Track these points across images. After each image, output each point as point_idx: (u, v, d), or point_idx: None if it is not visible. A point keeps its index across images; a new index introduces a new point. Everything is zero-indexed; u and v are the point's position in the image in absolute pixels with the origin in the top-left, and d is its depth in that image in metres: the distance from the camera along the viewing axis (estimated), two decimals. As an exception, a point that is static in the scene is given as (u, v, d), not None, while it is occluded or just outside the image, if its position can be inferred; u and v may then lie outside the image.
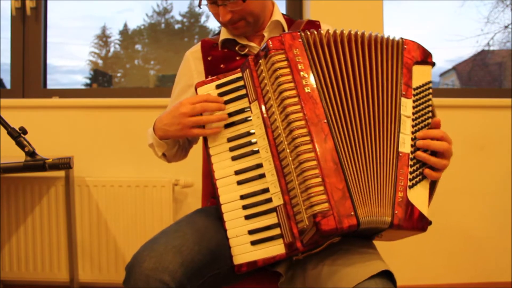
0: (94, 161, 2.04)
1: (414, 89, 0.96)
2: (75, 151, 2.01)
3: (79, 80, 2.51)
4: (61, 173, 1.94)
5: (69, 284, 1.96)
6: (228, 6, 1.09)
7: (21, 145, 0.91)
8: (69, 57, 2.48)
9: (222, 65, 1.19)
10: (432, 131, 0.93)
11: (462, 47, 2.60)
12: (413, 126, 0.93)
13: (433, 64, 1.00)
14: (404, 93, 0.94)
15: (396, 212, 0.87)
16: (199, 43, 1.26)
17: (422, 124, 0.95)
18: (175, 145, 1.17)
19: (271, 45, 0.93)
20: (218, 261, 0.95)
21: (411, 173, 0.90)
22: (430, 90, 0.98)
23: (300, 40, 0.94)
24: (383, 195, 0.88)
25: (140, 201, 1.97)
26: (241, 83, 1.01)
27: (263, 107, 0.95)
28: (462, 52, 2.67)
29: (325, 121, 0.88)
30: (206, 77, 1.19)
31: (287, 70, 0.91)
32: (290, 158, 0.87)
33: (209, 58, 1.21)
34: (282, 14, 1.25)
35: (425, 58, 0.99)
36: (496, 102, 2.16)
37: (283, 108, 0.89)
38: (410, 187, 0.90)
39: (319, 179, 0.83)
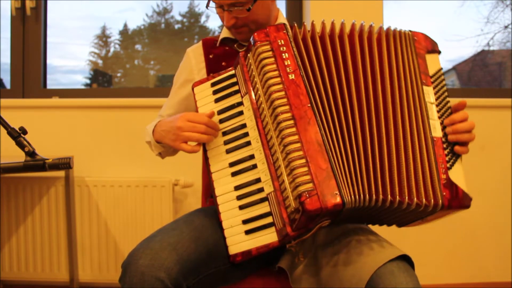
0: (94, 161, 2.04)
1: (431, 77, 1.00)
2: (75, 151, 2.01)
3: (79, 80, 2.51)
4: (61, 173, 1.94)
5: (69, 284, 1.96)
6: (233, 12, 1.11)
7: (21, 145, 0.91)
8: (69, 57, 2.48)
9: (223, 63, 1.21)
10: (456, 116, 0.98)
11: (462, 47, 2.60)
12: (438, 111, 0.97)
13: (439, 52, 1.05)
14: (424, 81, 0.98)
15: (444, 193, 0.89)
16: (200, 42, 1.28)
17: (444, 108, 0.99)
18: (170, 147, 1.18)
19: (256, 38, 0.94)
20: (215, 259, 0.96)
21: (446, 155, 0.94)
22: (443, 77, 1.03)
23: (285, 31, 0.94)
24: (418, 179, 0.90)
25: (140, 201, 1.97)
26: (234, 79, 1.03)
27: (253, 98, 0.96)
28: (462, 52, 2.67)
29: (309, 105, 0.88)
30: (208, 74, 1.21)
31: (272, 59, 0.92)
32: (277, 143, 0.88)
33: (210, 56, 1.23)
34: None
35: (434, 47, 1.04)
36: (496, 102, 2.16)
37: (269, 95, 0.90)
38: (449, 168, 0.93)
39: (303, 160, 0.84)
